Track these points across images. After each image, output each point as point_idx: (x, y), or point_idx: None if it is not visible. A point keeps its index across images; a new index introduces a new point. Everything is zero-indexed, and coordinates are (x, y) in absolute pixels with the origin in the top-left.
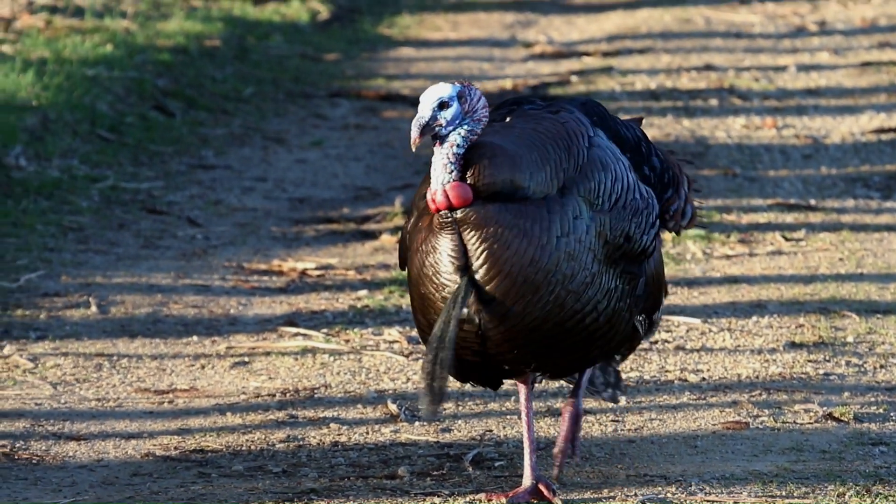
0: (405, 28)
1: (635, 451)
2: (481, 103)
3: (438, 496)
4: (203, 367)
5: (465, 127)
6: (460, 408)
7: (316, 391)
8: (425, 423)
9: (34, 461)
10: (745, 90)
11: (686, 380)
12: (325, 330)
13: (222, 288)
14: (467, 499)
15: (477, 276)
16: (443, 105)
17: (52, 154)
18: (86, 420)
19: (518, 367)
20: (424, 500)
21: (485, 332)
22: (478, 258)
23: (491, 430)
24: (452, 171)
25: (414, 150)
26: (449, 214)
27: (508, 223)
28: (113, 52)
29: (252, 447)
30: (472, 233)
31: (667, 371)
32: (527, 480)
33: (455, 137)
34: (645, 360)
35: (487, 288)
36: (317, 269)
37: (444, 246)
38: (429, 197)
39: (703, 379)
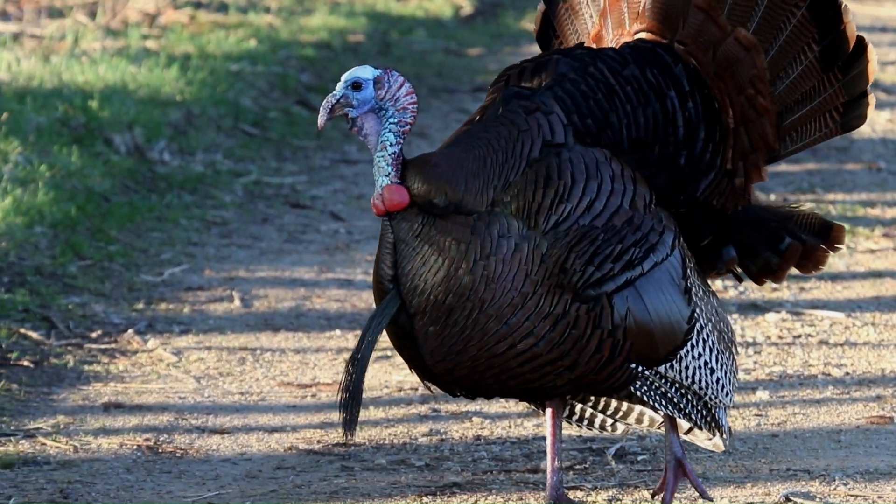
0: None
1: (778, 446)
2: (404, 90)
3: (581, 490)
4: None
5: (392, 120)
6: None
7: None
8: (568, 417)
9: (178, 454)
10: (889, 84)
11: (829, 374)
12: None
13: (365, 282)
14: (610, 493)
15: (402, 290)
16: (356, 86)
17: (196, 149)
18: (229, 414)
19: (475, 393)
20: (567, 493)
21: (420, 353)
22: (401, 271)
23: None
24: (389, 174)
25: (320, 128)
26: (386, 220)
27: (429, 238)
28: (256, 48)
29: (395, 441)
30: (400, 244)
31: (810, 365)
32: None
33: (387, 136)
34: (788, 355)
35: (408, 303)
36: None
37: (382, 255)
38: (371, 201)
39: (847, 373)
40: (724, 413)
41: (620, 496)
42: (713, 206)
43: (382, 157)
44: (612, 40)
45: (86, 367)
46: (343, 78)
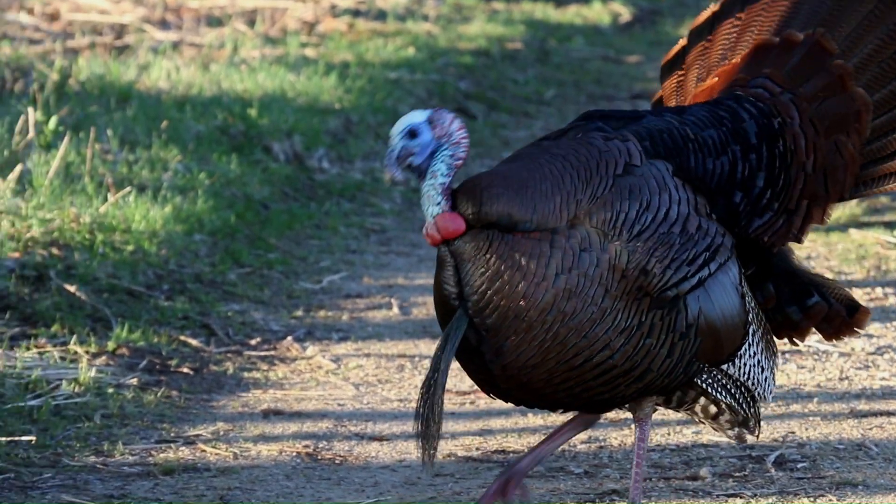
0: None
1: None
2: (455, 125)
3: (741, 497)
4: None
5: (447, 153)
6: (762, 409)
7: None
8: None
9: (337, 461)
10: None
11: None
12: None
13: None
14: (770, 500)
15: (469, 310)
16: (412, 133)
17: (355, 156)
18: (388, 420)
19: (542, 405)
20: (726, 501)
21: (489, 367)
22: (469, 290)
23: (793, 432)
24: (440, 203)
25: (388, 184)
26: (444, 248)
27: (502, 255)
28: (415, 55)
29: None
30: (466, 264)
31: None
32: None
33: (439, 167)
34: None
35: (478, 321)
36: None
37: (444, 278)
38: (423, 232)
39: None
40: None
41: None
42: (763, 242)
43: (432, 185)
44: (736, 79)
45: (245, 375)
46: (394, 131)
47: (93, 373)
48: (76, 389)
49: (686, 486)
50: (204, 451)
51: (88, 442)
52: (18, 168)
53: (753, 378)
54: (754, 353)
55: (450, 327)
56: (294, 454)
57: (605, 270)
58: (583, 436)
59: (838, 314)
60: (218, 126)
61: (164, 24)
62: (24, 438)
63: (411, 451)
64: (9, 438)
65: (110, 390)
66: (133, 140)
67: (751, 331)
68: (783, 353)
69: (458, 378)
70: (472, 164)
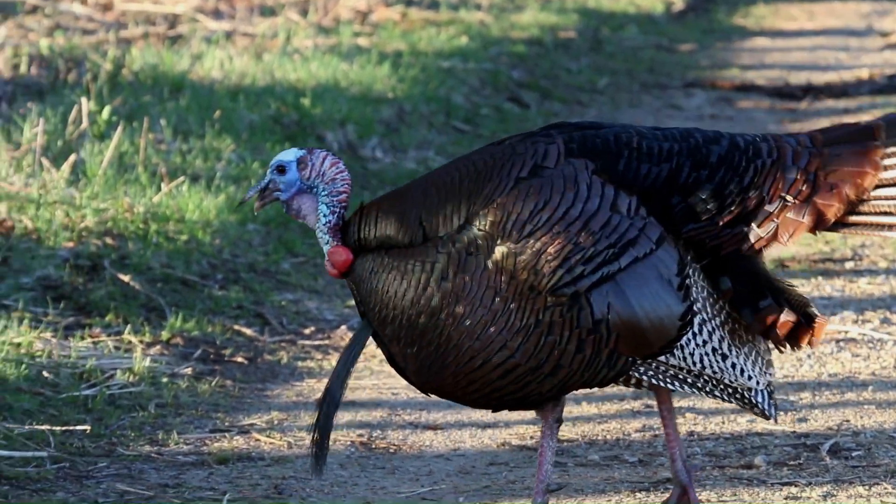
0: (760, 18)
1: None
2: (328, 163)
3: (795, 486)
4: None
5: (324, 193)
6: (816, 398)
7: None
8: (781, 413)
9: (391, 450)
10: None
11: None
12: None
13: None
14: (825, 489)
15: (374, 326)
16: (280, 169)
17: (408, 145)
18: (442, 409)
19: (471, 405)
20: (781, 489)
21: (406, 376)
22: (367, 308)
23: (848, 420)
24: (328, 242)
25: (256, 211)
26: (345, 278)
27: (390, 266)
28: (468, 44)
29: (608, 437)
30: (361, 287)
31: None
32: None
33: (321, 209)
34: None
35: (383, 335)
36: None
37: (355, 303)
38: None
39: None
40: (760, 395)
41: (835, 492)
42: (705, 244)
43: (320, 228)
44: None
45: (299, 364)
46: (271, 163)
47: (147, 362)
48: (131, 379)
49: (740, 474)
50: (258, 440)
51: (143, 431)
52: (72, 158)
53: (713, 366)
54: (705, 341)
55: (351, 339)
56: (348, 443)
57: (492, 272)
58: (637, 424)
59: (792, 321)
60: (271, 115)
61: (216, 14)
62: (78, 428)
63: (466, 439)
64: (64, 428)
65: (165, 380)
66: (186, 130)
67: (696, 321)
68: (837, 341)
69: None
70: None
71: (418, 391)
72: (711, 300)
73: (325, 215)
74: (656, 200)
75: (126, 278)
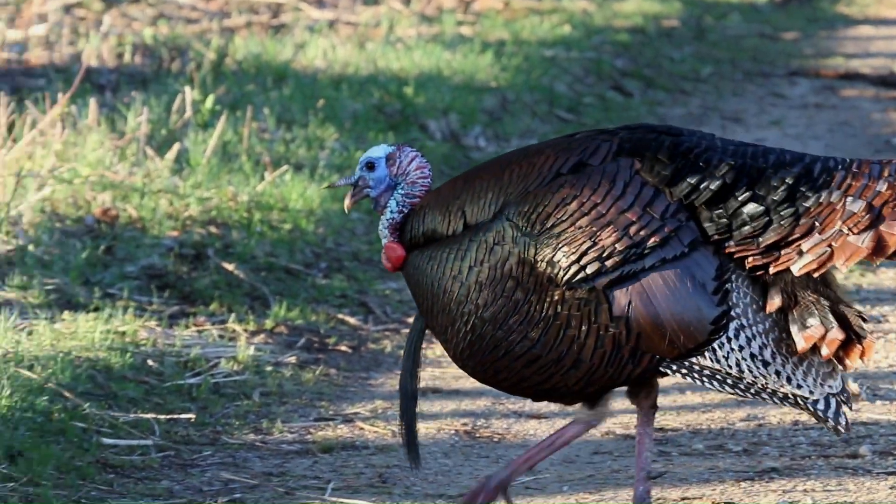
0: (864, 6)
1: None
2: (414, 164)
3: None
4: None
5: (400, 192)
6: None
7: None
8: (886, 402)
9: (495, 439)
10: None
11: None
12: None
13: None
14: None
15: (423, 315)
16: (370, 166)
17: (511, 134)
18: None
19: (508, 392)
20: (886, 479)
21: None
22: (415, 298)
23: None
24: (386, 237)
25: (347, 212)
26: (400, 271)
27: (429, 258)
28: (571, 33)
29: (712, 426)
30: (411, 281)
31: None
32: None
33: (391, 204)
34: None
35: (429, 324)
36: None
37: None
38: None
39: None
40: (823, 404)
41: None
42: (743, 259)
43: (382, 221)
44: None
45: (402, 353)
46: (360, 159)
47: (251, 351)
48: (235, 367)
49: (845, 464)
50: (362, 428)
51: (247, 420)
52: (176, 147)
53: (752, 372)
54: (742, 347)
55: (409, 333)
56: (452, 432)
57: (515, 263)
58: (741, 413)
59: (837, 339)
60: (374, 104)
61: (320, 3)
62: (183, 416)
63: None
64: (168, 416)
65: (269, 368)
66: (290, 119)
67: (733, 326)
68: None
69: None
70: None
71: None
72: (755, 307)
73: (391, 211)
74: (700, 208)
75: (230, 267)
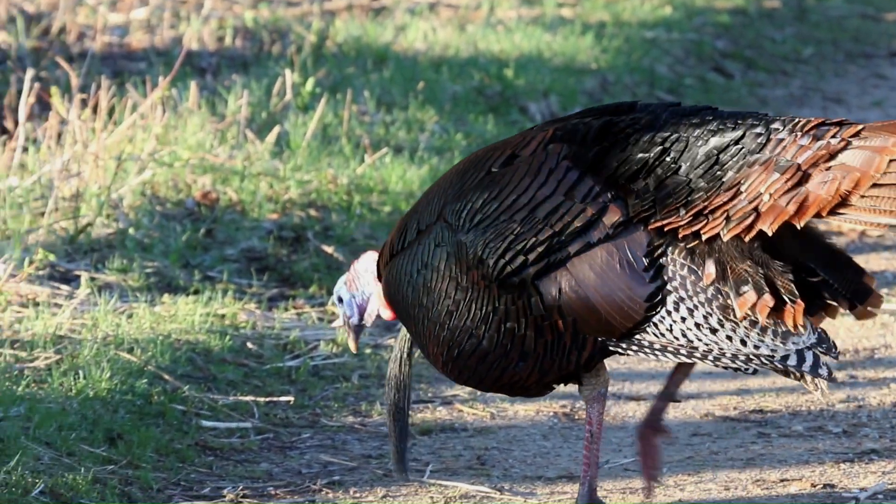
0: None
1: None
2: (359, 266)
3: None
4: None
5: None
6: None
7: (876, 351)
8: None
9: None
10: None
11: None
12: (885, 290)
13: None
14: None
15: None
16: (339, 300)
17: None
18: (645, 380)
19: (480, 389)
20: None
21: None
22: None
23: None
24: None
25: (356, 352)
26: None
27: (392, 265)
28: (672, 14)
29: (811, 407)
30: (386, 288)
31: None
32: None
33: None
34: None
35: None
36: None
37: None
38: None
39: None
40: (795, 358)
41: None
42: (676, 230)
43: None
44: None
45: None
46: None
47: None
48: (334, 350)
49: None
50: (461, 411)
51: (346, 402)
52: (276, 130)
53: (702, 340)
54: (684, 318)
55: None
56: (551, 414)
57: (453, 263)
58: (841, 395)
59: (766, 305)
60: (474, 87)
61: None
62: (282, 399)
63: (668, 410)
64: (268, 399)
65: (368, 351)
66: (389, 101)
67: (671, 299)
68: None
69: None
70: None
71: (620, 363)
72: (693, 278)
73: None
74: (627, 186)
75: (329, 250)
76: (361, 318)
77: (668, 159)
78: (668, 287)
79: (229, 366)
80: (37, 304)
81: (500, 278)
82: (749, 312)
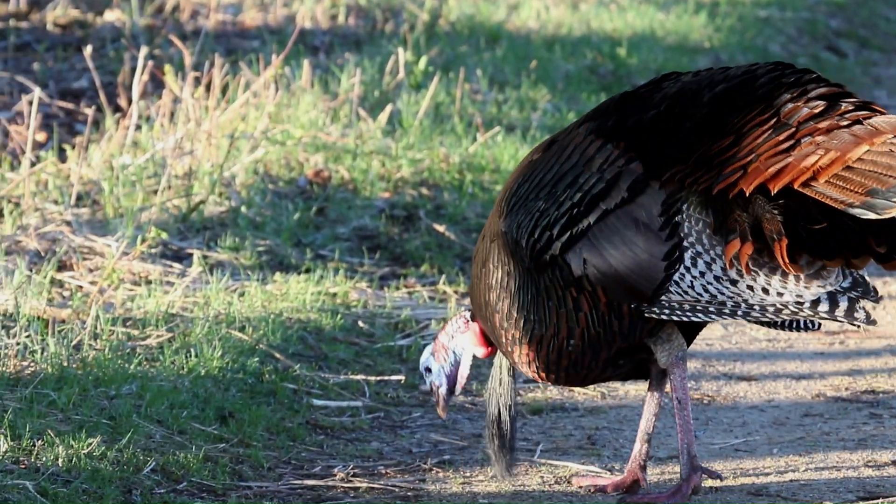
0: None
1: None
2: (446, 335)
3: None
4: (874, 308)
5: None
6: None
7: None
8: None
9: (705, 401)
10: None
11: None
12: None
13: None
14: None
15: None
16: (428, 370)
17: None
18: (756, 361)
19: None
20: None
21: None
22: None
23: None
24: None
25: (443, 417)
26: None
27: (473, 276)
28: None
29: None
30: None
31: None
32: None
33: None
34: None
35: None
36: None
37: None
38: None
39: None
40: (826, 303)
41: None
42: (682, 183)
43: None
44: None
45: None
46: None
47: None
48: None
49: None
50: (572, 391)
51: None
52: (388, 108)
53: (725, 293)
54: (703, 272)
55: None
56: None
57: (500, 252)
58: None
59: (747, 252)
60: (587, 65)
61: None
62: (393, 378)
63: (780, 391)
64: (378, 378)
65: None
66: (502, 80)
67: (688, 255)
68: None
69: None
70: None
71: (732, 343)
72: (709, 231)
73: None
74: (641, 146)
75: (441, 228)
76: (452, 386)
77: (675, 113)
78: (685, 243)
79: (340, 344)
80: (149, 283)
81: (533, 257)
82: (735, 261)
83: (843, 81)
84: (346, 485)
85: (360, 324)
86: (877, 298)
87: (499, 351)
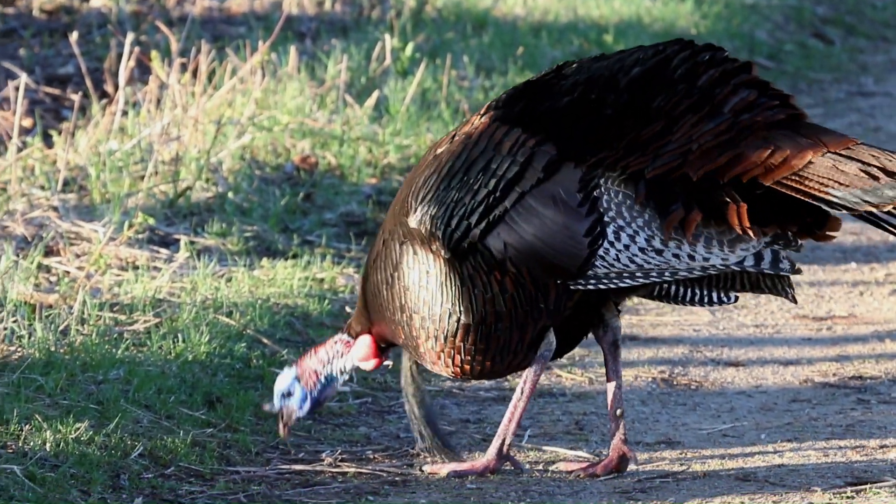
0: None
1: None
2: (315, 358)
3: None
4: (861, 293)
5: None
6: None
7: None
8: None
9: (692, 387)
10: None
11: None
12: None
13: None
14: None
15: None
16: (288, 394)
17: None
18: (744, 346)
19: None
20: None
21: None
22: None
23: None
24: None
25: (285, 439)
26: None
27: (376, 283)
28: None
29: None
30: None
31: None
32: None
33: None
34: None
35: None
36: None
37: None
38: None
39: None
40: (752, 259)
41: None
42: (610, 165)
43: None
44: None
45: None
46: (275, 392)
47: None
48: None
49: None
50: (560, 376)
51: None
52: (375, 95)
53: (651, 262)
54: (627, 244)
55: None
56: (650, 379)
57: (415, 250)
58: None
59: (694, 220)
60: (574, 52)
61: None
62: None
63: (768, 376)
64: None
65: None
66: (489, 66)
67: (610, 230)
68: None
69: (813, 304)
70: (829, 88)
71: (719, 329)
72: (629, 203)
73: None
74: (557, 132)
75: None
76: (315, 408)
77: (592, 99)
78: (605, 217)
79: (328, 330)
80: (136, 268)
81: (452, 248)
82: (676, 230)
83: (830, 69)
84: (333, 469)
85: (348, 309)
86: (798, 247)
87: (404, 356)
